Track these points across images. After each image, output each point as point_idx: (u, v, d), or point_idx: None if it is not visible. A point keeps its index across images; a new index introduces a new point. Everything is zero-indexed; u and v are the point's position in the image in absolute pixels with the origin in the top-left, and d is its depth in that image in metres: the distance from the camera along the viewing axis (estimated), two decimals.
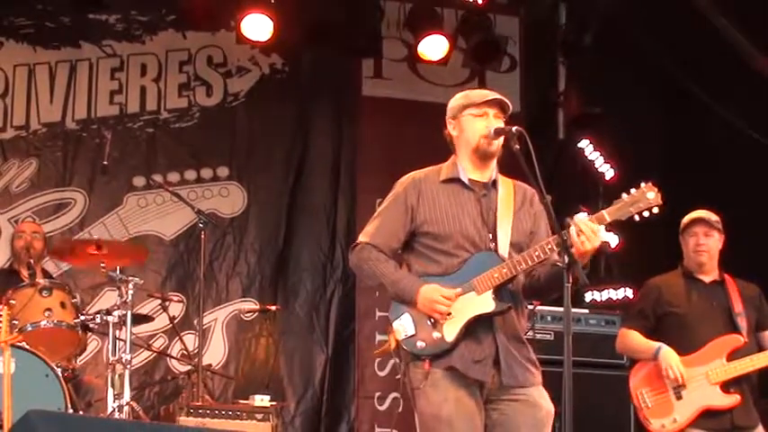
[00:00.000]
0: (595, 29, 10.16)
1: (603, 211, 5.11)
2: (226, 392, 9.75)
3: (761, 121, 9.28)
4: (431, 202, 5.27)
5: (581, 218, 5.00)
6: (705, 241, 6.78)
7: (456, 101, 5.40)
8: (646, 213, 5.12)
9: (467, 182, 5.30)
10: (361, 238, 5.36)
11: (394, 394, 9.98)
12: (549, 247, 5.03)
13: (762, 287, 6.93)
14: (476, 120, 5.27)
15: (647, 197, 5.10)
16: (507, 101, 5.31)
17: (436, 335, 5.10)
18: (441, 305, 5.05)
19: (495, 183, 5.34)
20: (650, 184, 5.15)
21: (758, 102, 9.29)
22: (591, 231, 4.92)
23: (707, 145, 9.88)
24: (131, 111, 10.27)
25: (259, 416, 8.09)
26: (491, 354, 5.09)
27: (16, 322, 7.36)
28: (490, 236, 5.21)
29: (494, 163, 5.34)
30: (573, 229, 4.94)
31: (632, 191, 5.14)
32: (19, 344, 7.03)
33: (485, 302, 5.11)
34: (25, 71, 10.06)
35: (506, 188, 5.34)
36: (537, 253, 5.06)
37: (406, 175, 5.43)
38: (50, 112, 10.09)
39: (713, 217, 6.83)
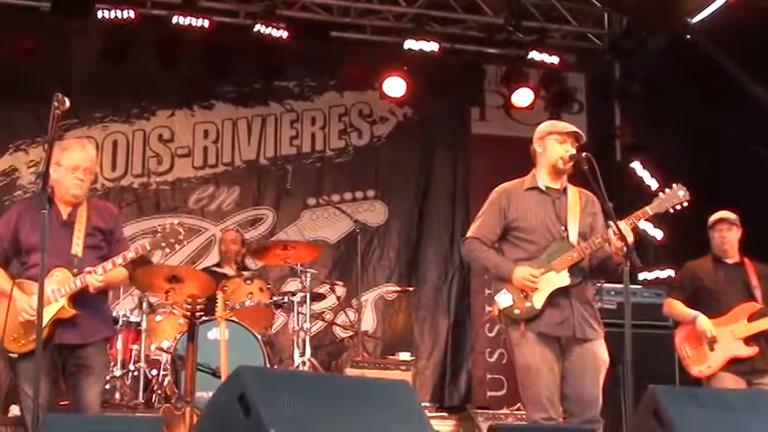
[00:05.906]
0: (641, 80, 10.11)
1: (647, 207, 5.19)
2: (376, 351, 9.80)
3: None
4: (518, 204, 5.33)
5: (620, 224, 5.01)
6: (727, 234, 6.71)
7: (545, 126, 5.48)
8: (678, 207, 5.19)
9: (544, 189, 5.35)
10: (469, 233, 5.45)
11: (500, 350, 9.99)
12: (606, 237, 5.07)
13: None
14: (557, 144, 5.33)
15: (678, 194, 5.18)
16: (582, 133, 5.38)
17: (528, 304, 5.17)
18: (529, 281, 5.13)
19: (565, 189, 5.39)
20: (680, 184, 5.22)
21: None
22: (621, 232, 4.93)
23: (726, 163, 9.68)
24: (305, 150, 10.43)
25: (403, 367, 8.27)
26: (570, 315, 5.15)
27: (228, 303, 7.49)
28: (563, 228, 5.26)
29: (565, 177, 5.39)
30: (610, 231, 5.01)
31: (666, 190, 5.21)
32: (231, 318, 7.23)
33: (562, 278, 5.18)
34: (230, 124, 10.27)
35: (574, 194, 5.39)
36: (597, 240, 5.14)
37: (499, 186, 5.49)
38: (248, 153, 10.28)
39: (732, 216, 6.75)
